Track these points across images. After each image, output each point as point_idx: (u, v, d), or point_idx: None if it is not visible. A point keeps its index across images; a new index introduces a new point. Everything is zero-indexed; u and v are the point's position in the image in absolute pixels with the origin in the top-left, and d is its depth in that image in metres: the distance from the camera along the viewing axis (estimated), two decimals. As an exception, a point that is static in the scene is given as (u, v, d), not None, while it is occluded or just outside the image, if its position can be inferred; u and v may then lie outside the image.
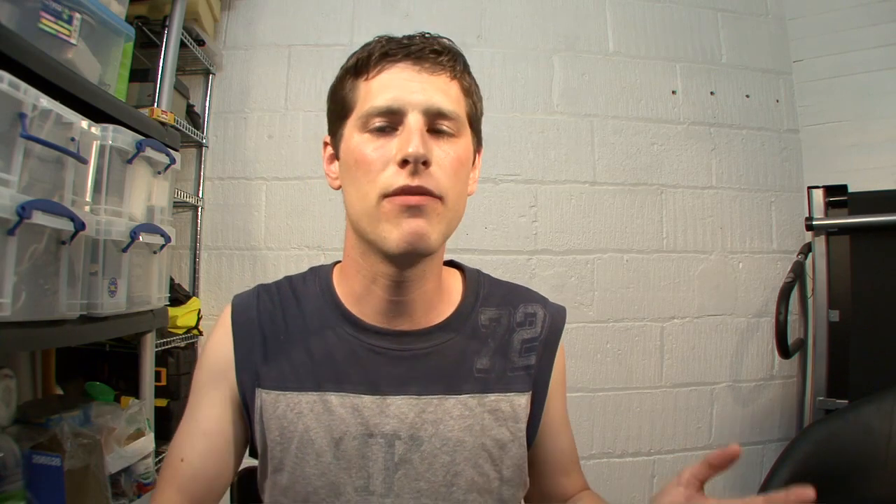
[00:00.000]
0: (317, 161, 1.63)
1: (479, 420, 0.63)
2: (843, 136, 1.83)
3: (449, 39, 0.64)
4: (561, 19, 1.83)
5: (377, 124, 0.59)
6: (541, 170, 1.77)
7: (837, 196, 1.73)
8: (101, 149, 1.00)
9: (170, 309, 1.38)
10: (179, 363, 1.47)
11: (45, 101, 0.81)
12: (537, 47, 1.81)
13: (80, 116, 0.92)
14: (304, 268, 0.73)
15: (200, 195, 1.69)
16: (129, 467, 1.09)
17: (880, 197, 1.67)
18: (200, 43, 1.57)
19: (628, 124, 1.83)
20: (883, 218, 1.63)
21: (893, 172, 1.72)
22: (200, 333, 1.57)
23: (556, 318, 0.71)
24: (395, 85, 0.59)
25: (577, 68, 1.82)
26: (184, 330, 1.50)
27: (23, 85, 0.76)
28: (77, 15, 0.95)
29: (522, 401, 0.66)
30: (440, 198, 0.58)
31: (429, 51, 0.61)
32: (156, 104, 1.32)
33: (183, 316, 1.49)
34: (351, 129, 0.62)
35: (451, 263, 0.75)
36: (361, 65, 0.62)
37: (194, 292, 1.66)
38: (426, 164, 0.57)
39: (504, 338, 0.67)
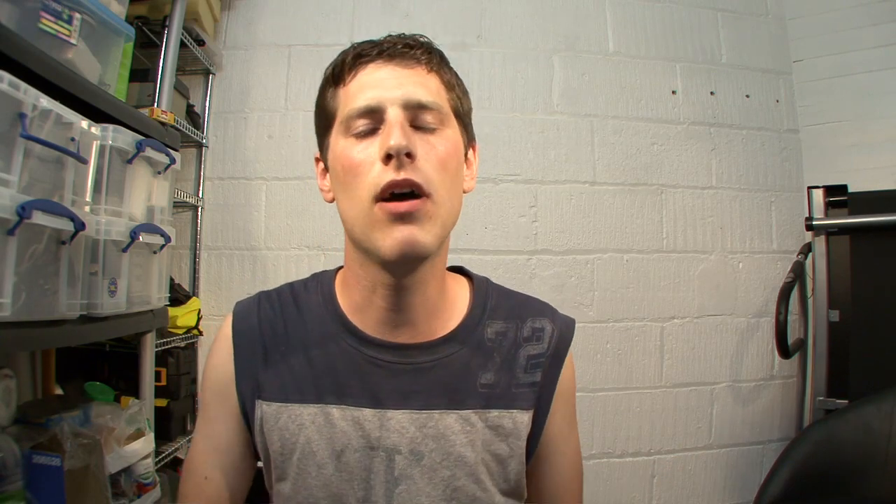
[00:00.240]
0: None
1: (481, 435, 0.62)
2: (843, 136, 1.84)
3: (424, 37, 0.63)
4: (561, 19, 1.83)
5: (360, 128, 0.59)
6: (541, 170, 1.77)
7: (837, 196, 1.73)
8: (101, 149, 1.00)
9: (170, 309, 1.38)
10: (179, 363, 1.47)
11: (45, 101, 0.81)
12: (537, 47, 1.81)
13: (80, 116, 0.92)
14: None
15: (200, 195, 1.69)
16: (129, 467, 1.09)
17: (880, 197, 1.67)
18: (200, 43, 1.57)
19: (628, 124, 1.83)
20: (883, 218, 1.63)
21: (893, 172, 1.72)
22: (200, 333, 1.57)
23: (564, 332, 0.69)
24: (371, 84, 0.59)
25: (577, 68, 1.82)
26: (184, 330, 1.50)
27: (23, 85, 0.76)
28: (77, 15, 0.95)
29: (525, 418, 0.64)
30: (429, 194, 0.57)
31: (401, 46, 0.60)
32: (156, 104, 1.32)
33: (183, 316, 1.49)
34: (336, 137, 0.61)
35: (459, 270, 0.73)
36: (338, 72, 0.62)
37: (194, 292, 1.66)
38: (410, 156, 0.56)
39: (510, 353, 0.66)
